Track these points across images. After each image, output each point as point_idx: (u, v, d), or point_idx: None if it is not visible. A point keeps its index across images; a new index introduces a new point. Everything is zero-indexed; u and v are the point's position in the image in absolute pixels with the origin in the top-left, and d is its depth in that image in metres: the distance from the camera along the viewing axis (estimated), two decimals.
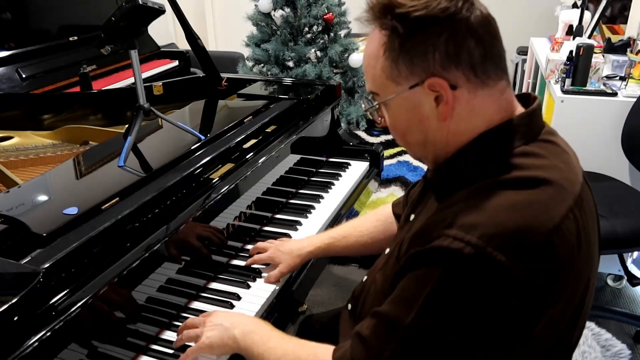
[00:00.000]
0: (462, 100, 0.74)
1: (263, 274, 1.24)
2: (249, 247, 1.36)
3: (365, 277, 1.05)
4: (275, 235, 1.37)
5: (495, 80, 0.75)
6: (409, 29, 0.72)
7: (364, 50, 0.80)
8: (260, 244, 1.29)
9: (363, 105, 0.85)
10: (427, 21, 0.71)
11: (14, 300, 0.78)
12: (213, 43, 5.18)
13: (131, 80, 2.20)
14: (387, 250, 0.98)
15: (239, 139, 1.42)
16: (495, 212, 0.69)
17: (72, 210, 1.01)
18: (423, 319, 0.70)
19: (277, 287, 1.21)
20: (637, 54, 2.45)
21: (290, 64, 3.36)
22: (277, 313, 1.18)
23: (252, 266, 1.26)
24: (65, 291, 0.88)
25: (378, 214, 1.24)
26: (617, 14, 3.05)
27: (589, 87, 2.19)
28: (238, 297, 1.16)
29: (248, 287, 1.20)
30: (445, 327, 0.69)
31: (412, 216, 0.91)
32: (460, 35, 0.71)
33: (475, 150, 0.77)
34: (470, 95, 0.74)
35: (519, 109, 0.79)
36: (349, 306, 1.06)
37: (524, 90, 3.79)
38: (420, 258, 0.72)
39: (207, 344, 0.94)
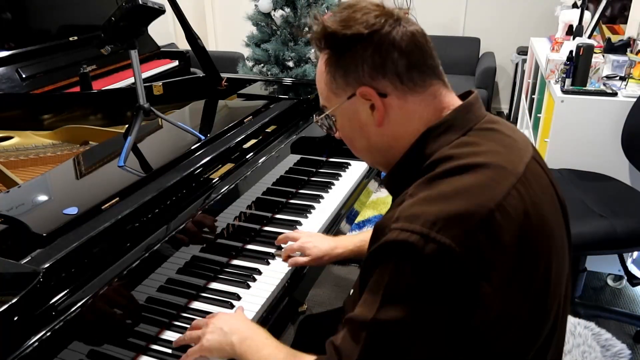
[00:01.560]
0: (394, 106, 0.83)
1: (263, 274, 1.25)
2: (249, 247, 1.36)
3: (352, 290, 1.06)
4: (276, 235, 1.37)
5: (424, 86, 0.83)
6: (341, 47, 0.83)
7: (316, 70, 0.91)
8: (289, 233, 1.33)
9: (315, 118, 0.94)
10: (354, 39, 0.81)
11: (14, 300, 0.78)
12: (213, 43, 5.18)
13: (131, 80, 2.20)
14: None
15: (239, 139, 1.42)
16: (435, 200, 0.73)
17: (72, 210, 1.01)
18: (384, 312, 0.73)
19: (277, 288, 1.21)
20: (637, 54, 2.45)
21: (290, 64, 3.35)
22: (277, 313, 1.18)
23: (253, 266, 1.27)
24: (65, 291, 0.88)
25: None
26: (617, 14, 3.05)
27: (589, 87, 2.19)
28: (238, 297, 1.16)
29: (248, 287, 1.20)
30: (405, 315, 0.71)
31: None
32: (383, 49, 0.80)
33: (415, 149, 0.83)
34: (400, 102, 0.82)
35: (457, 106, 0.85)
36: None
37: (523, 91, 3.80)
38: (374, 256, 0.76)
39: (206, 346, 0.96)
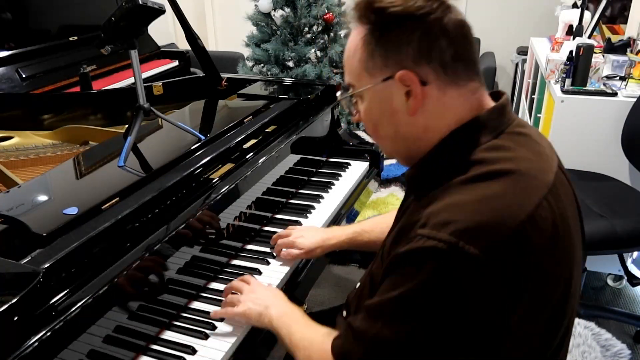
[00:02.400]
0: (432, 96, 0.78)
1: (263, 274, 1.25)
2: (249, 247, 1.36)
3: (358, 284, 1.06)
4: None
5: (466, 80, 0.79)
6: (386, 24, 0.77)
7: (347, 44, 0.84)
8: (281, 232, 1.33)
9: (338, 95, 0.89)
10: (403, 17, 0.75)
11: (14, 300, 0.78)
12: (213, 43, 5.18)
13: (131, 80, 2.20)
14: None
15: (239, 139, 1.42)
16: (466, 207, 0.71)
17: (72, 210, 1.01)
18: (401, 314, 0.73)
19: (277, 287, 1.21)
20: (637, 54, 2.45)
21: (290, 64, 3.35)
22: None
23: (253, 266, 1.27)
24: (65, 291, 0.88)
25: None
26: (617, 14, 3.05)
27: (589, 87, 2.19)
28: None
29: None
30: (424, 322, 0.71)
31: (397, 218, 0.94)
32: (433, 34, 0.76)
33: (446, 147, 0.80)
34: (439, 93, 0.78)
35: (491, 106, 0.82)
36: (344, 313, 1.07)
37: (524, 91, 3.79)
38: (398, 261, 0.74)
39: (247, 314, 1.05)
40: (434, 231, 0.70)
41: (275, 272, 1.26)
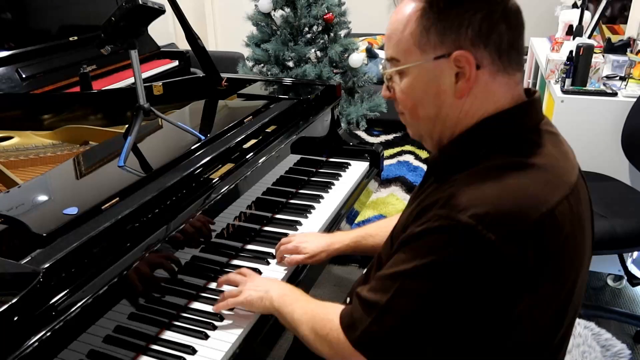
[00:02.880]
0: (482, 81, 0.76)
1: (264, 274, 1.25)
2: (249, 247, 1.36)
3: (364, 271, 1.06)
4: (276, 235, 1.37)
5: (515, 69, 0.78)
6: (450, 0, 0.74)
7: (392, 16, 0.81)
8: (284, 239, 1.31)
9: (381, 67, 0.87)
10: None
11: (14, 300, 0.78)
12: (213, 43, 5.17)
13: (131, 80, 2.20)
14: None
15: (239, 139, 1.42)
16: (490, 193, 0.70)
17: (72, 210, 1.01)
18: (412, 286, 0.73)
19: None
20: (637, 54, 2.45)
21: (290, 64, 3.35)
22: None
23: (253, 266, 1.27)
24: (65, 291, 0.88)
25: None
26: (617, 14, 3.05)
27: (589, 87, 2.19)
28: None
29: None
30: (433, 297, 0.72)
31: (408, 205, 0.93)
32: (495, 17, 0.74)
33: (481, 132, 0.78)
34: (490, 78, 0.76)
35: (526, 100, 0.81)
36: (348, 299, 1.07)
37: None
38: (413, 237, 0.74)
39: (249, 300, 1.06)
40: (453, 212, 0.69)
41: (275, 272, 1.26)
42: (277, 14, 3.34)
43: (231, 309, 1.11)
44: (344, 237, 1.28)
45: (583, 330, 1.22)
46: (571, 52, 2.21)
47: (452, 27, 0.74)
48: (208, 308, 1.13)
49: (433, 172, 0.85)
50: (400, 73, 0.80)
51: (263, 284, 1.08)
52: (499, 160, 0.74)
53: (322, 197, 1.60)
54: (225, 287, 1.16)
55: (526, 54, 3.76)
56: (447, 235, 0.69)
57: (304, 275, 1.31)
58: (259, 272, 1.25)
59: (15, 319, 0.78)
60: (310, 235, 1.33)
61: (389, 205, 2.89)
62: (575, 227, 0.75)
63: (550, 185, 0.73)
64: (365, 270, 1.05)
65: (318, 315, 0.91)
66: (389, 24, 0.81)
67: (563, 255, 0.74)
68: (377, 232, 1.26)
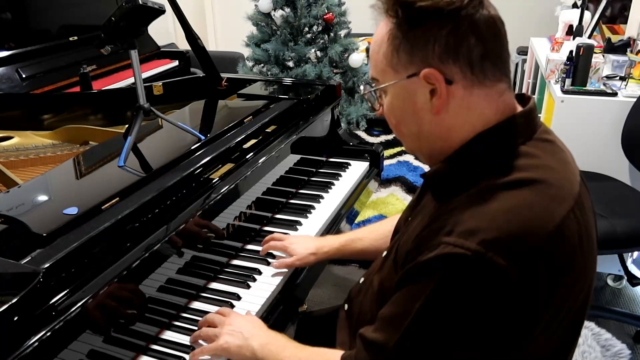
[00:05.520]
0: (457, 96, 0.75)
1: (263, 274, 1.25)
2: (249, 247, 1.36)
3: (362, 279, 1.05)
4: None
5: (493, 81, 0.75)
6: (414, 19, 0.73)
7: (373, 37, 0.82)
8: (276, 234, 1.31)
9: (362, 88, 0.87)
10: (431, 13, 0.72)
11: (14, 300, 0.78)
12: (213, 43, 5.17)
13: (131, 80, 2.20)
14: (384, 253, 0.98)
15: (239, 139, 1.41)
16: (494, 216, 0.69)
17: (72, 210, 1.01)
18: (423, 324, 0.71)
19: (277, 287, 1.21)
20: (637, 54, 2.45)
21: (290, 64, 3.35)
22: (277, 313, 1.18)
23: (253, 266, 1.27)
24: (65, 291, 0.88)
25: (394, 220, 1.25)
26: (617, 14, 3.05)
27: (589, 87, 2.19)
28: (238, 297, 1.16)
29: (248, 287, 1.20)
30: (446, 333, 0.70)
31: (409, 219, 0.92)
32: (462, 31, 0.72)
33: (474, 150, 0.77)
34: (465, 92, 0.75)
35: (518, 110, 0.79)
36: (346, 306, 1.06)
37: (524, 91, 3.79)
38: (420, 269, 0.72)
39: (224, 347, 0.97)
40: (460, 239, 0.68)
41: (275, 272, 1.26)
42: (277, 14, 3.35)
43: (231, 307, 1.11)
44: (333, 241, 1.27)
45: (583, 330, 1.22)
46: (571, 52, 2.21)
47: (419, 45, 0.74)
48: (208, 308, 1.13)
49: (430, 189, 0.85)
50: (384, 91, 0.81)
51: (242, 328, 0.99)
52: (497, 181, 0.72)
53: (322, 197, 1.60)
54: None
55: (526, 54, 3.76)
56: (456, 265, 0.68)
57: (304, 275, 1.31)
58: (258, 272, 1.25)
59: (15, 319, 0.78)
60: (300, 237, 1.32)
61: (389, 205, 2.89)
62: (584, 238, 0.74)
63: (555, 201, 0.72)
64: (362, 280, 1.04)
65: None
66: (371, 44, 0.83)
67: (575, 269, 0.73)
68: (365, 235, 1.25)
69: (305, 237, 1.33)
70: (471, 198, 0.72)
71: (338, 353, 0.86)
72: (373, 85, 0.83)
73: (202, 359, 0.99)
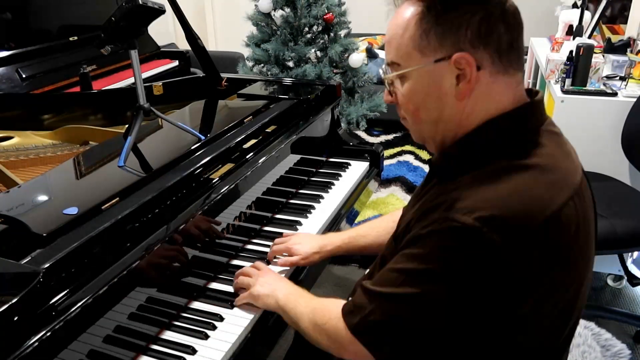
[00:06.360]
0: (483, 82, 0.76)
1: None
2: (249, 247, 1.36)
3: (367, 270, 1.06)
4: (276, 235, 1.37)
5: (516, 69, 0.78)
6: (448, 2, 0.74)
7: (391, 21, 0.81)
8: (278, 239, 1.32)
9: (382, 72, 0.87)
10: None
11: (14, 300, 0.78)
12: (213, 43, 5.18)
13: (131, 80, 2.20)
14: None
15: (239, 139, 1.41)
16: (495, 196, 0.70)
17: (72, 210, 1.01)
18: (416, 282, 0.74)
19: None
20: (637, 54, 2.45)
21: (290, 64, 3.35)
22: (277, 313, 1.17)
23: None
24: (65, 291, 0.88)
25: (395, 215, 1.26)
26: (617, 14, 3.05)
27: (589, 87, 2.19)
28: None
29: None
30: (436, 294, 0.72)
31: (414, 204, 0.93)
32: (494, 18, 0.74)
33: (485, 133, 0.78)
34: (491, 79, 0.76)
35: (529, 101, 0.81)
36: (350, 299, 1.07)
37: None
38: (418, 239, 0.75)
39: (254, 295, 1.09)
40: (458, 214, 0.70)
41: (278, 270, 1.25)
42: (277, 14, 3.34)
43: (231, 307, 1.13)
44: (336, 239, 1.29)
45: (583, 330, 1.22)
46: (571, 52, 2.21)
47: (451, 30, 0.74)
48: (208, 308, 1.13)
49: (436, 174, 0.85)
50: (401, 77, 0.80)
51: (273, 281, 1.10)
52: (503, 163, 0.74)
53: (322, 197, 1.60)
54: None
55: (526, 54, 3.76)
56: (452, 238, 0.70)
57: (304, 275, 1.31)
58: None
59: (15, 319, 0.78)
60: (303, 236, 1.32)
61: (389, 205, 2.89)
62: (580, 229, 0.75)
63: (556, 187, 0.73)
64: (367, 271, 1.05)
65: (318, 307, 0.95)
66: (388, 28, 0.81)
67: (568, 258, 0.74)
68: (368, 232, 1.27)
69: (309, 236, 1.33)
70: (474, 179, 0.74)
71: (341, 302, 0.90)
72: (392, 70, 0.82)
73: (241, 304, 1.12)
